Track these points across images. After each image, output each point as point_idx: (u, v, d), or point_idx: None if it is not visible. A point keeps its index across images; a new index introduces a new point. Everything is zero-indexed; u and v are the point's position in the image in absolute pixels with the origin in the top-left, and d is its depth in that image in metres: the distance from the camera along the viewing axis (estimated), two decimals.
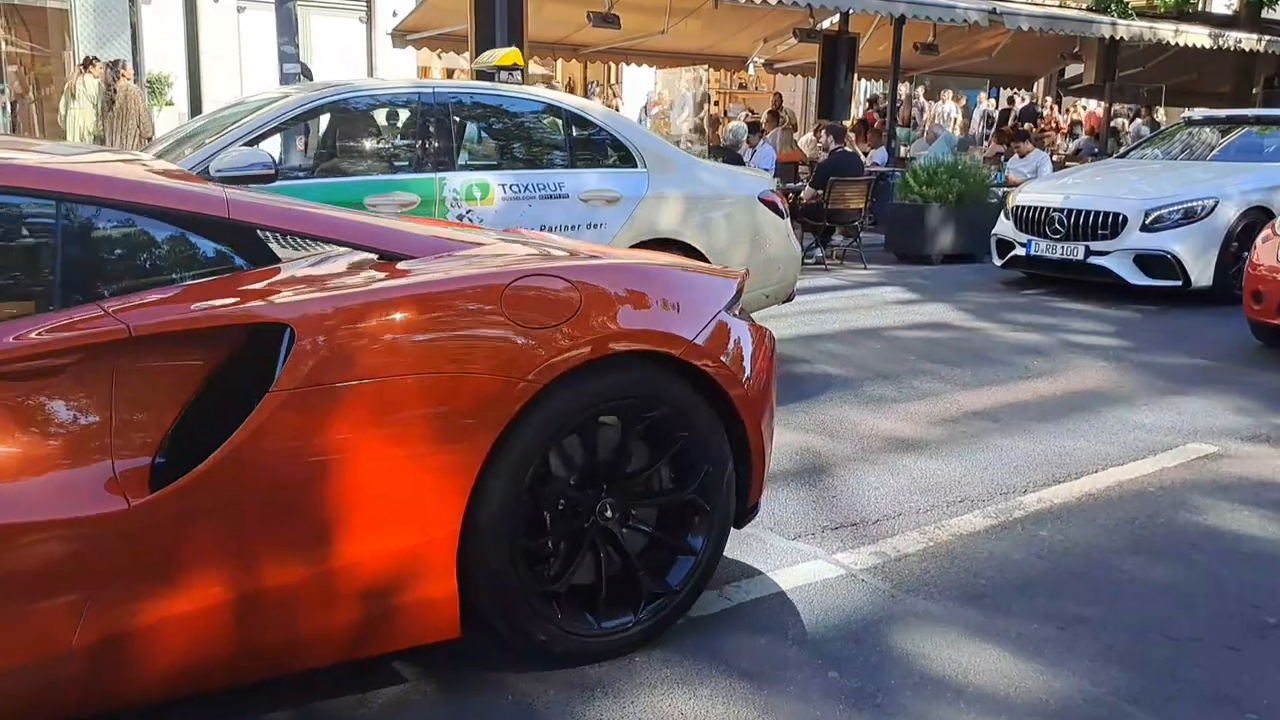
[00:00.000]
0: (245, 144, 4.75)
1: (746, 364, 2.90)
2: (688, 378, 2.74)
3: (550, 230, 5.23)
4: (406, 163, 5.40)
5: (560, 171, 5.63)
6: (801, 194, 10.68)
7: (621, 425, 2.70)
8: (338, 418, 2.27)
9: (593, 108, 6.23)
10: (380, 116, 6.03)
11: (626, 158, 5.83)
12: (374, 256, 2.64)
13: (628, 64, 18.30)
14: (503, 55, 5.95)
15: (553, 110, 5.94)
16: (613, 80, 21.82)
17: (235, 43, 15.67)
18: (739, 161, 10.32)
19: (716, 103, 22.13)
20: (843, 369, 6.07)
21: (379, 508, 2.33)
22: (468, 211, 5.26)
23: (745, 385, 2.85)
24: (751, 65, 17.88)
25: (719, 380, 2.78)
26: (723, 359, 2.80)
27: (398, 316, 2.36)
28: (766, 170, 10.10)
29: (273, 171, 4.51)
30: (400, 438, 2.33)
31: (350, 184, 5.10)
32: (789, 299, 6.52)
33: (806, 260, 9.38)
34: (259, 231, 2.53)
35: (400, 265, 2.60)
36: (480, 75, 8.47)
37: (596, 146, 5.87)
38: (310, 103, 5.22)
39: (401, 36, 14.17)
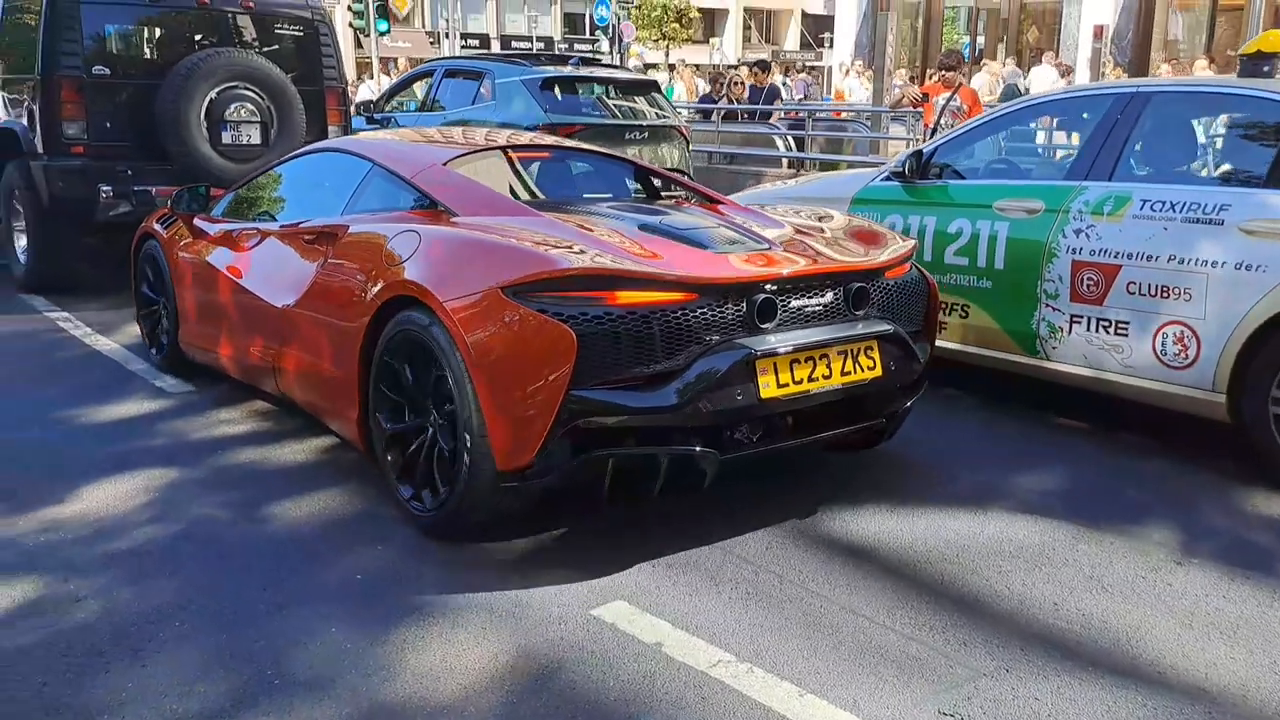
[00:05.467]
0: (941, 144, 5.29)
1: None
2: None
3: (1186, 265, 4.08)
4: (1061, 167, 4.96)
5: (1226, 190, 4.18)
6: None
7: None
8: None
9: None
10: (1067, 116, 6.00)
11: None
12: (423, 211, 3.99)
13: None
14: (1258, 40, 4.26)
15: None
16: None
17: None
18: None
19: None
20: None
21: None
22: (1088, 227, 4.45)
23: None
24: None
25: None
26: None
27: None
28: None
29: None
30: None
31: (979, 188, 5.08)
32: None
33: None
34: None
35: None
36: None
37: None
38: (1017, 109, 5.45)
39: None
